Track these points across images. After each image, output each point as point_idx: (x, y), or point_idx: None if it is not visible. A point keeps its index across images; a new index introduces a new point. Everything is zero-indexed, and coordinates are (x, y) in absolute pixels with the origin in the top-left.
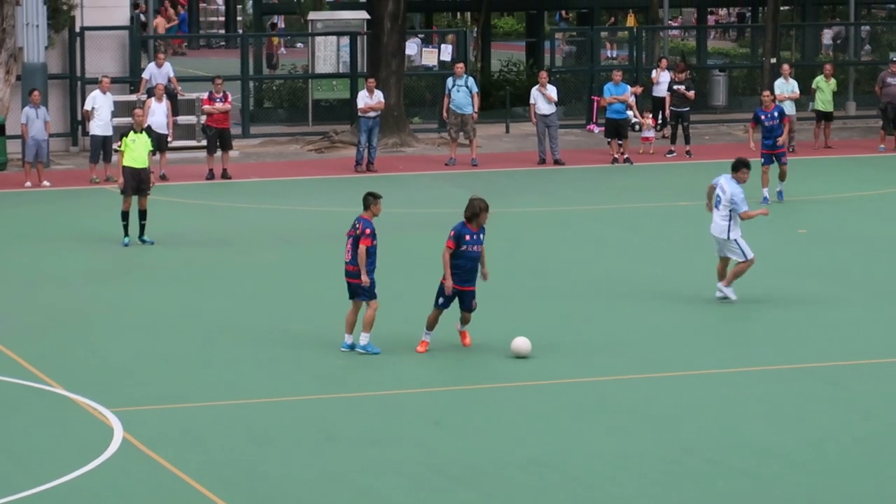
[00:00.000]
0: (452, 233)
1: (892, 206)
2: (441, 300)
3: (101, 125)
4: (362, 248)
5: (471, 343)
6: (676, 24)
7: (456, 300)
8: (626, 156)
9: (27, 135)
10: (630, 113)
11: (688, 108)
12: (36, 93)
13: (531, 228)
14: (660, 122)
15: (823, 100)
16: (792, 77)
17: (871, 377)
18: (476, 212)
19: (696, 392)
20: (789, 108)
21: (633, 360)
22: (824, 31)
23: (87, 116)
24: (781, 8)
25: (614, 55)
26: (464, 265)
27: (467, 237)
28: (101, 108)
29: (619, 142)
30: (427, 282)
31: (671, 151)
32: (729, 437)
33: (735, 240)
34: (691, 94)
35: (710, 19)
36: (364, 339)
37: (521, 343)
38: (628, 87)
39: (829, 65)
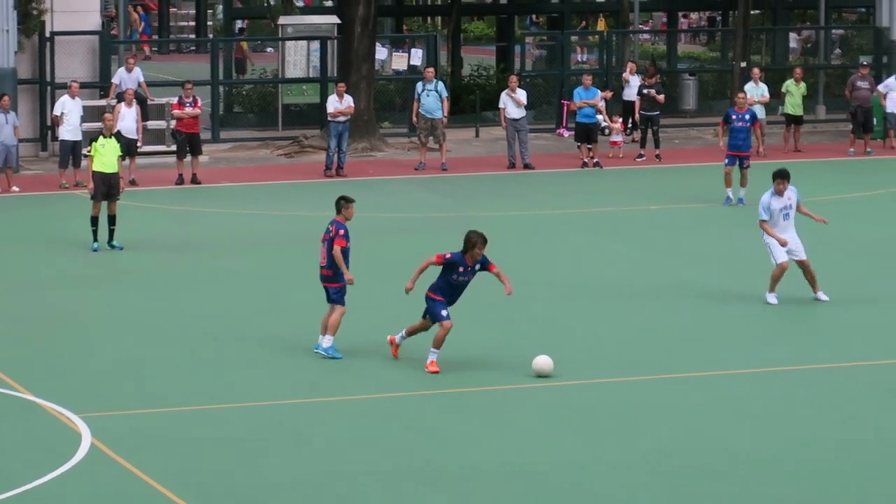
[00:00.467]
0: (449, 255)
1: (863, 210)
2: (427, 316)
3: (70, 130)
4: (337, 248)
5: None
6: (647, 29)
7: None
8: (595, 160)
9: None
10: (600, 117)
11: (658, 112)
12: (5, 98)
13: (501, 233)
14: (630, 126)
15: (793, 103)
16: (762, 81)
17: (852, 380)
18: (470, 245)
19: (675, 395)
20: (759, 112)
21: (609, 363)
22: (792, 35)
23: (57, 122)
24: (752, 12)
25: (585, 59)
26: (447, 290)
27: (461, 269)
28: (70, 113)
29: (589, 146)
30: (399, 286)
31: (641, 155)
32: (708, 440)
33: (767, 244)
34: (661, 97)
35: (684, 23)
36: (328, 341)
37: (544, 362)
38: (598, 91)
39: (798, 68)
